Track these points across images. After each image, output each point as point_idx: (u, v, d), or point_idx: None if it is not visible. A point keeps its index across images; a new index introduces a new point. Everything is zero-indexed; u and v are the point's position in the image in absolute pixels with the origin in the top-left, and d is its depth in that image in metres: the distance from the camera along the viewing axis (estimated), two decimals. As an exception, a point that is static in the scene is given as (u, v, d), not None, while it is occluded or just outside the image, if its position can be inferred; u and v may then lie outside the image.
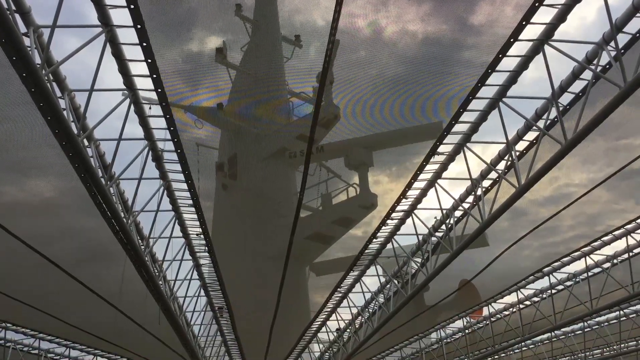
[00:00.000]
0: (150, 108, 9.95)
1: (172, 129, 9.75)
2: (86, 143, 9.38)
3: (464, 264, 17.41)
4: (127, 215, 10.70)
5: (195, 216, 12.41)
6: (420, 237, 15.08)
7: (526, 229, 16.06)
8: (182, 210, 12.29)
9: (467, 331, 22.94)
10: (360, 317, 19.58)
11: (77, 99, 9.00)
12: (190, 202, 11.89)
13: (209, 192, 16.11)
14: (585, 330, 22.80)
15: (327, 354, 22.55)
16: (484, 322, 22.11)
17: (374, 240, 15.17)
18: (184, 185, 11.35)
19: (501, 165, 11.87)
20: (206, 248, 13.71)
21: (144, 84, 9.02)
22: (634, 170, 14.32)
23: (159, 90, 8.81)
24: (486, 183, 12.71)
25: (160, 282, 13.36)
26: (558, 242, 17.37)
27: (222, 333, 19.58)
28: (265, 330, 19.87)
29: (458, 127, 11.15)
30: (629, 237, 15.94)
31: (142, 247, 11.93)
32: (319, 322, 20.21)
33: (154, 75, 8.51)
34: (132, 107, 9.27)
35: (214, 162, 16.73)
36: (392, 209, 13.69)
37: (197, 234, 13.10)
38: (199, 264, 14.61)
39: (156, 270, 13.13)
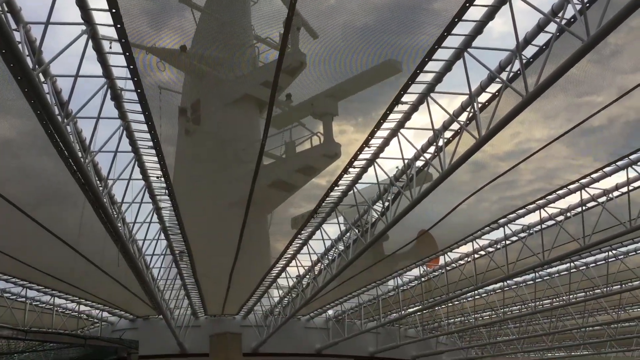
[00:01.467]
0: (110, 47, 9.66)
1: (132, 67, 9.50)
2: (42, 79, 9.10)
3: (423, 215, 17.76)
4: (84, 155, 10.50)
5: (155, 158, 12.24)
6: (382, 187, 15.22)
7: (486, 182, 16.38)
8: (142, 152, 12.10)
9: (423, 279, 23.51)
10: (319, 264, 19.86)
11: (33, 33, 8.69)
12: (151, 144, 11.71)
13: (171, 136, 15.91)
14: (537, 280, 23.61)
15: (286, 299, 22.92)
16: (440, 270, 22.66)
17: (336, 188, 15.25)
18: (144, 127, 11.14)
19: (463, 117, 11.97)
20: (166, 191, 13.59)
21: (104, 20, 8.73)
22: (594, 127, 14.59)
23: (119, 25, 8.54)
24: (448, 134, 12.84)
25: (119, 224, 13.26)
26: (516, 195, 17.75)
27: (182, 277, 19.66)
28: (225, 275, 20.05)
29: (422, 77, 11.14)
30: (583, 191, 16.36)
31: (101, 188, 11.76)
32: (279, 268, 20.45)
33: (114, 10, 8.22)
34: (90, 43, 8.97)
35: (177, 106, 16.47)
36: (355, 157, 13.75)
37: (157, 177, 12.96)
38: (159, 207, 14.51)
39: (115, 212, 13.00)
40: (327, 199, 15.63)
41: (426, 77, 11.24)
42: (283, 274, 21.05)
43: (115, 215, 12.92)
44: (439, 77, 11.18)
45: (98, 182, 11.73)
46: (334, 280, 19.79)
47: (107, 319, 25.14)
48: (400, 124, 12.59)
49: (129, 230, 14.50)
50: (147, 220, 14.91)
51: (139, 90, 10.00)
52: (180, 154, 17.01)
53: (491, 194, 17.95)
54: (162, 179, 13.05)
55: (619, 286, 22.65)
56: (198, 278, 19.82)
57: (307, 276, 20.64)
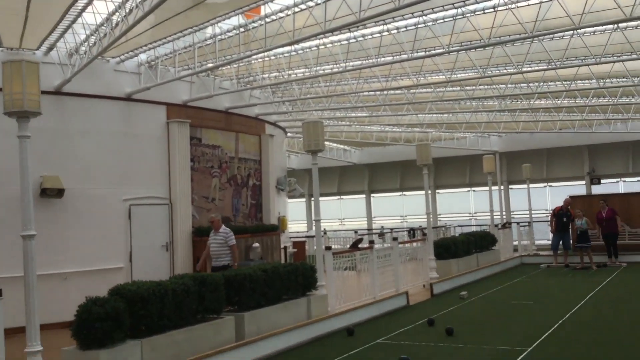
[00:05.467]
0: None
1: None
2: None
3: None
4: None
5: None
6: None
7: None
8: None
9: (241, 30, 23.04)
10: (130, 1, 18.38)
11: None
12: None
13: None
14: (350, 41, 24.30)
15: (93, 37, 21.34)
16: (259, 22, 22.25)
17: None
18: None
19: None
20: None
21: None
22: None
23: None
24: None
25: None
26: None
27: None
28: (21, 3, 17.99)
29: None
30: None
31: None
32: (85, 3, 18.63)
33: None
34: None
35: None
36: None
37: None
38: None
39: None
40: None
41: None
42: (90, 9, 19.28)
43: None
44: None
45: None
46: (148, 22, 18.68)
47: None
48: None
49: None
50: None
51: None
52: None
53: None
54: None
55: (424, 52, 24.12)
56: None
57: (117, 13, 19.13)
